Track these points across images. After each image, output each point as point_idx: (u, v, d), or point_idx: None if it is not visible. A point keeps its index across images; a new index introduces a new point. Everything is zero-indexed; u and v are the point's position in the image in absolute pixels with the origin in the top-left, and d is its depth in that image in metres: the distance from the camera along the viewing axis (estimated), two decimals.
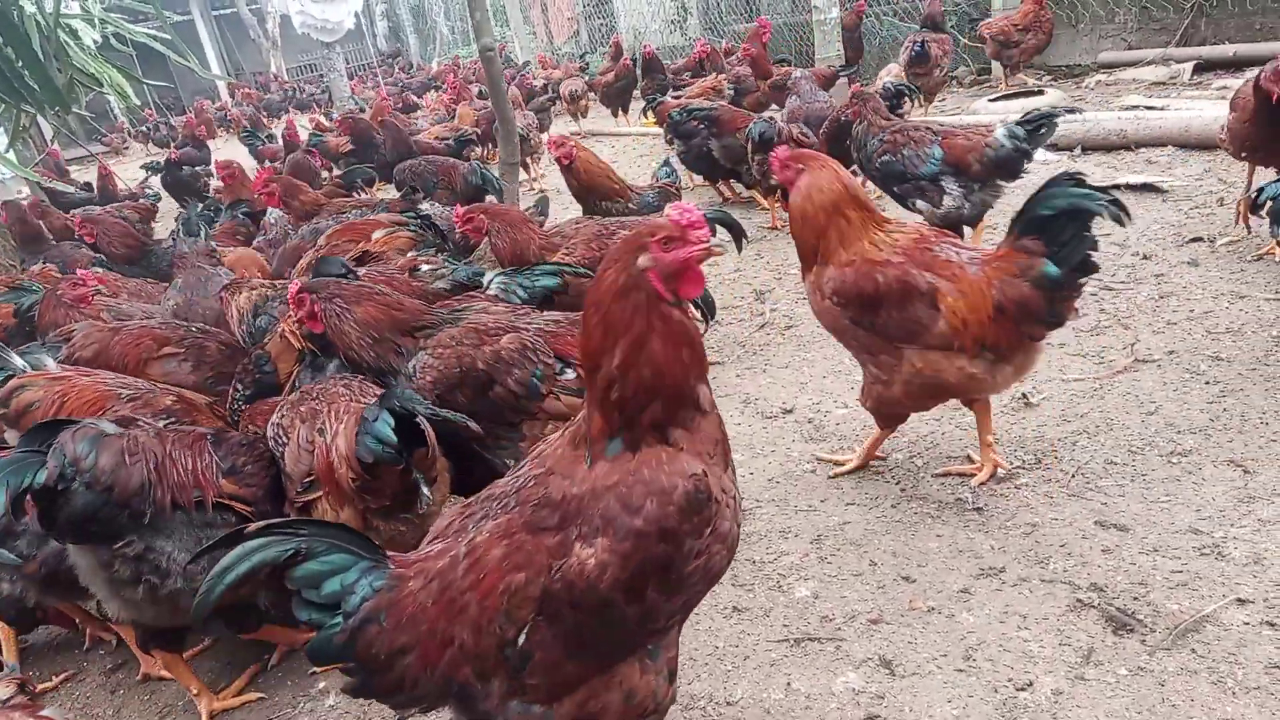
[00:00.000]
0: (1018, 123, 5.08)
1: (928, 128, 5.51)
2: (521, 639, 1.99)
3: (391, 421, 2.74)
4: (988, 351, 3.25)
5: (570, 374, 3.40)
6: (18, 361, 3.66)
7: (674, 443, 2.01)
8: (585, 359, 2.08)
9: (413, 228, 5.65)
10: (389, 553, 2.14)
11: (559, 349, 3.45)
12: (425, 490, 2.92)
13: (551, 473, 2.06)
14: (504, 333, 3.45)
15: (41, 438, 2.65)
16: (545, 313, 3.80)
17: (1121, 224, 3.07)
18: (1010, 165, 5.14)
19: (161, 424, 3.15)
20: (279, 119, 20.03)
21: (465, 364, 3.36)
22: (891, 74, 8.54)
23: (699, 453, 2.02)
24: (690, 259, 2.02)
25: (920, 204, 5.49)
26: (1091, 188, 3.05)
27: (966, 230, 5.50)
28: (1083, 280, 3.15)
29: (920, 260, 3.31)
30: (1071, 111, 5.12)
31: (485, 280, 4.36)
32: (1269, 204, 3.97)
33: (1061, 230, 3.07)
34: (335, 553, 2.05)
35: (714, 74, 11.43)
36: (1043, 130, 5.00)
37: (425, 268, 4.66)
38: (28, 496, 2.57)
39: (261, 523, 2.04)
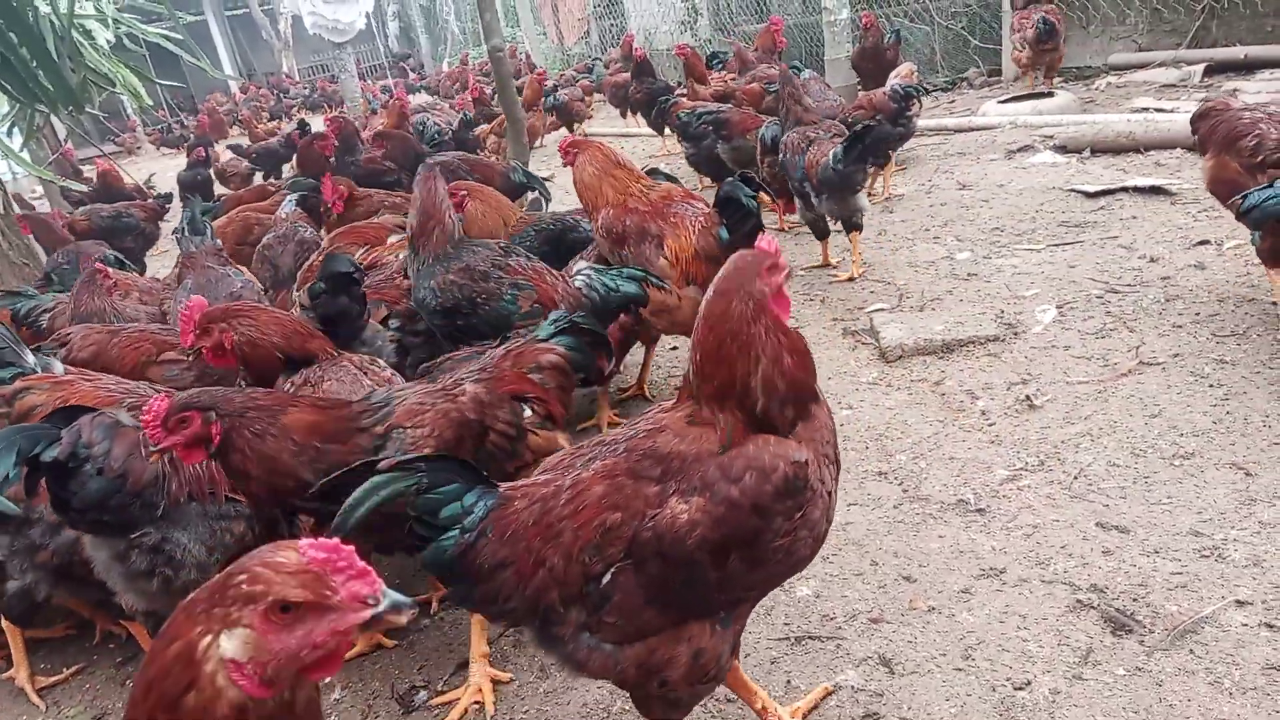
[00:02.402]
0: (841, 144, 5.56)
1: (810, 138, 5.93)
2: (606, 579, 2.12)
3: None
4: (692, 285, 4.34)
5: (528, 411, 3.18)
6: (30, 359, 3.68)
7: (791, 434, 2.17)
8: (724, 384, 2.17)
9: None
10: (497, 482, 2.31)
11: (506, 390, 3.16)
12: None
13: (663, 430, 2.22)
14: (460, 388, 3.08)
15: (62, 420, 2.70)
16: (461, 369, 3.33)
17: (754, 211, 4.21)
18: (839, 183, 5.63)
19: None
20: (314, 113, 21.05)
21: (455, 419, 2.95)
22: (900, 75, 8.53)
23: (811, 440, 2.18)
24: (783, 280, 2.25)
25: (798, 202, 6.11)
26: (752, 185, 4.27)
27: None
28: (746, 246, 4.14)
29: (659, 212, 4.49)
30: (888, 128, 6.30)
31: (574, 269, 4.29)
32: (1254, 211, 3.95)
33: (731, 211, 4.30)
34: (452, 483, 2.23)
35: (726, 73, 11.42)
36: (857, 150, 5.48)
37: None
38: (41, 478, 2.62)
39: (391, 459, 2.21)
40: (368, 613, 1.37)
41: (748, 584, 2.18)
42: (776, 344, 2.17)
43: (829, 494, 2.21)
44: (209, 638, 1.34)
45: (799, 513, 2.12)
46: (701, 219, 4.44)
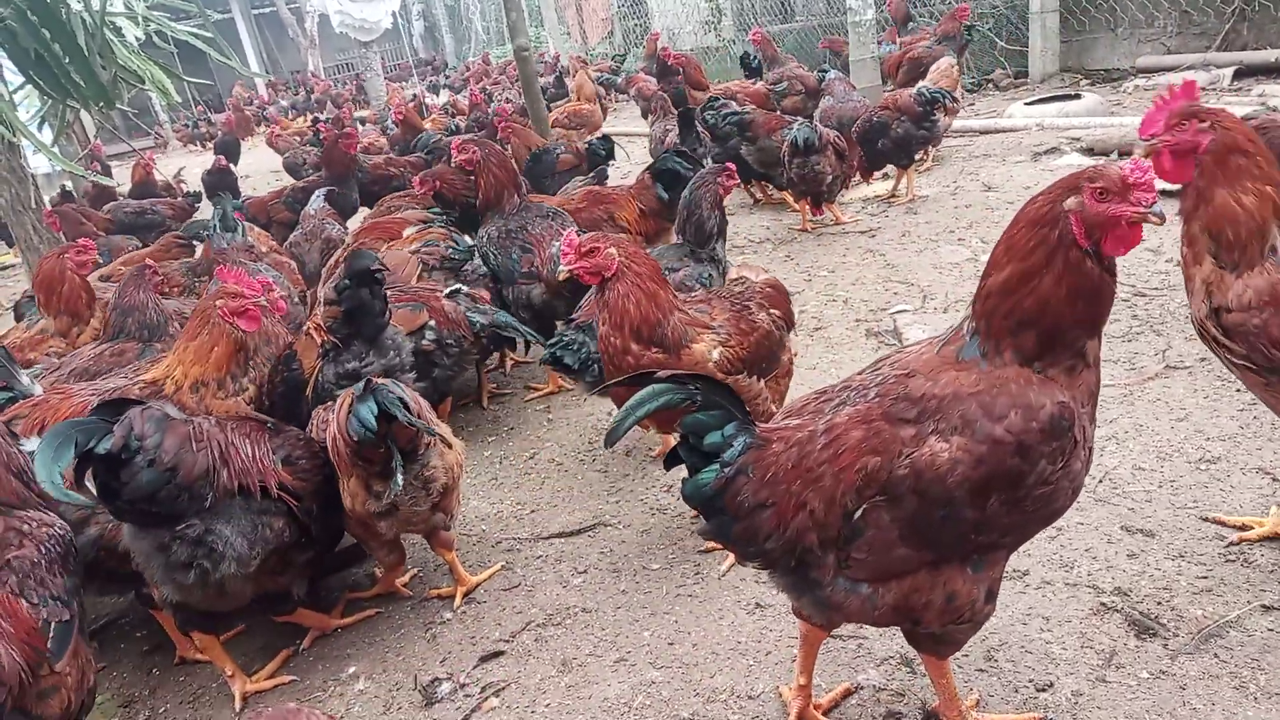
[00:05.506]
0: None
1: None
2: (858, 514, 2.12)
3: (374, 409, 2.95)
4: (644, 240, 5.49)
5: None
6: (24, 381, 3.69)
7: (1049, 376, 2.06)
8: (988, 266, 2.17)
9: (439, 223, 5.71)
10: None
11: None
12: (399, 477, 3.08)
13: (913, 374, 2.17)
14: None
15: (110, 412, 2.72)
16: None
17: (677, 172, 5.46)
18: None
19: None
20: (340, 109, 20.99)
21: None
22: (938, 71, 8.48)
23: (1074, 389, 2.07)
24: (1120, 217, 1.98)
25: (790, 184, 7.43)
26: (688, 160, 5.60)
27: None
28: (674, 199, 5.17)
29: (595, 202, 5.68)
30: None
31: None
32: None
33: (666, 179, 5.56)
34: (719, 409, 2.26)
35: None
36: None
37: (463, 289, 4.72)
38: (89, 469, 2.64)
39: (667, 372, 2.29)
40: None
41: (1003, 529, 2.11)
42: (1043, 261, 2.03)
43: (1089, 449, 2.13)
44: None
45: (1063, 458, 2.03)
46: (634, 187, 5.70)
